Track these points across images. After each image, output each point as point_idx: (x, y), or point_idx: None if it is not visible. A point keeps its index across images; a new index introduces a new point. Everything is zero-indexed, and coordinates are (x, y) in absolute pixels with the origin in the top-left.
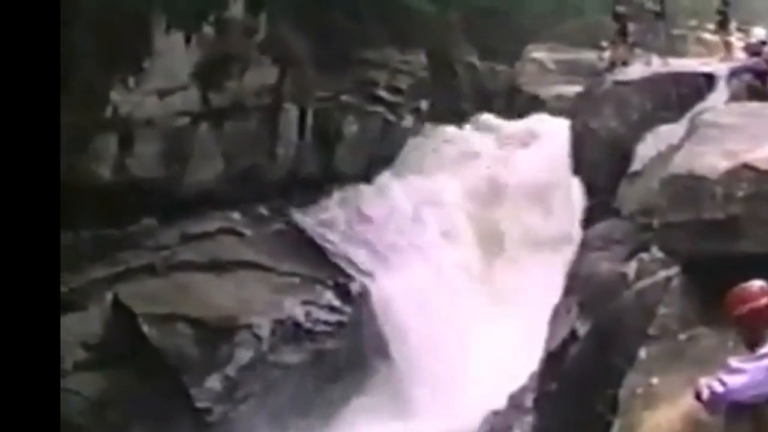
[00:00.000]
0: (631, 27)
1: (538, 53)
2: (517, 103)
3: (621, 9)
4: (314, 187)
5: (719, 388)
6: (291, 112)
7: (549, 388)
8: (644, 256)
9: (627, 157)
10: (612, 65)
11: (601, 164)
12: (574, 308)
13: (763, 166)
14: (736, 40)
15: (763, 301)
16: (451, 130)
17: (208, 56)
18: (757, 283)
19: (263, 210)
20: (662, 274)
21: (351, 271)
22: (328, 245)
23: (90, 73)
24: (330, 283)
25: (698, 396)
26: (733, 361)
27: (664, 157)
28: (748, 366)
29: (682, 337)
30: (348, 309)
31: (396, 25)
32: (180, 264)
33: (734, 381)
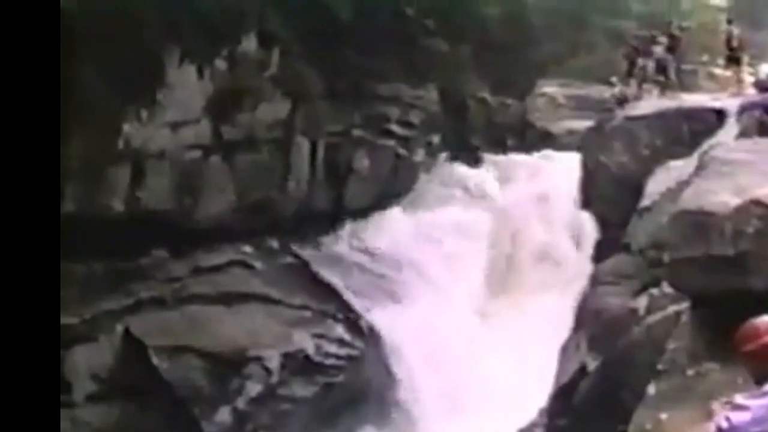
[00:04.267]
0: (642, 62)
1: (549, 88)
2: (528, 138)
3: (633, 44)
4: (325, 220)
5: (724, 424)
6: (302, 145)
7: (558, 423)
8: (654, 291)
9: (637, 192)
10: (623, 101)
11: (611, 199)
12: (583, 343)
13: None
14: (747, 76)
15: None
16: (462, 167)
17: (220, 90)
18: (766, 319)
19: (274, 243)
20: (672, 309)
21: (357, 306)
22: (336, 279)
23: (103, 105)
24: (340, 316)
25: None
26: (739, 398)
27: (674, 192)
28: (752, 403)
29: (690, 372)
30: (358, 343)
31: (408, 60)
32: (191, 296)
33: (738, 418)
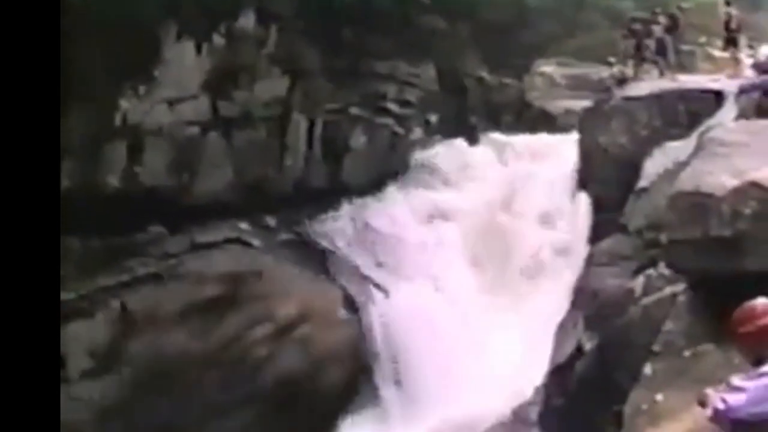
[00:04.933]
0: (644, 43)
1: (547, 68)
2: (525, 118)
3: (635, 26)
4: (322, 198)
5: (720, 405)
6: (300, 123)
7: (554, 403)
8: (651, 272)
9: (635, 173)
10: (622, 81)
11: (608, 180)
12: (580, 323)
13: None
14: (746, 57)
15: None
16: (460, 145)
17: (218, 66)
18: (762, 301)
19: (271, 220)
20: (668, 290)
21: (355, 284)
22: (333, 257)
23: (100, 81)
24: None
25: (702, 404)
26: (735, 379)
27: (671, 173)
28: (749, 384)
29: (687, 353)
30: (354, 320)
31: (405, 38)
32: (187, 273)
33: (735, 399)
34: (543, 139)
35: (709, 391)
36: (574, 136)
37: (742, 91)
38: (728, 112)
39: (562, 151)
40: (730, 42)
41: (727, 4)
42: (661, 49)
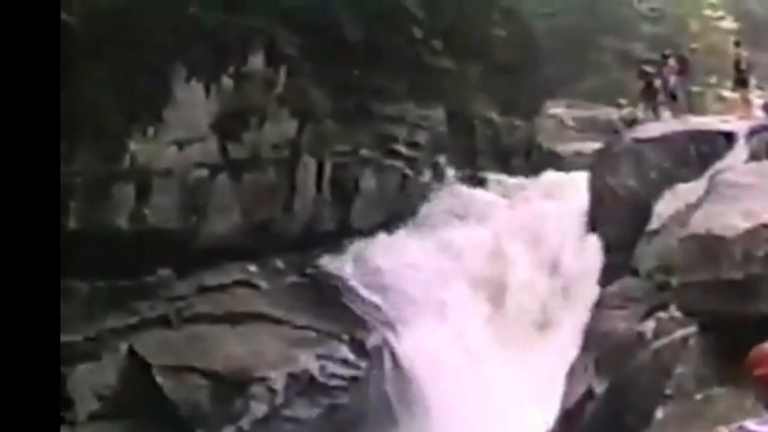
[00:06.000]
0: (657, 84)
1: (557, 109)
2: (535, 159)
3: (645, 68)
4: (331, 240)
5: None
6: (309, 165)
7: None
8: (662, 315)
9: (645, 215)
10: (631, 122)
11: (619, 222)
12: (591, 366)
13: None
14: (756, 98)
15: None
16: (469, 187)
17: (227, 108)
18: None
19: (279, 263)
20: (680, 333)
21: (362, 326)
22: (342, 300)
23: (109, 122)
24: (345, 337)
25: None
26: (750, 424)
27: (683, 215)
28: (764, 429)
29: (698, 397)
30: (363, 363)
31: (415, 80)
32: (195, 316)
33: None
34: (552, 178)
35: (723, 430)
36: (583, 175)
37: (753, 132)
38: (739, 153)
39: (572, 191)
40: (740, 83)
41: (737, 44)
42: (671, 91)
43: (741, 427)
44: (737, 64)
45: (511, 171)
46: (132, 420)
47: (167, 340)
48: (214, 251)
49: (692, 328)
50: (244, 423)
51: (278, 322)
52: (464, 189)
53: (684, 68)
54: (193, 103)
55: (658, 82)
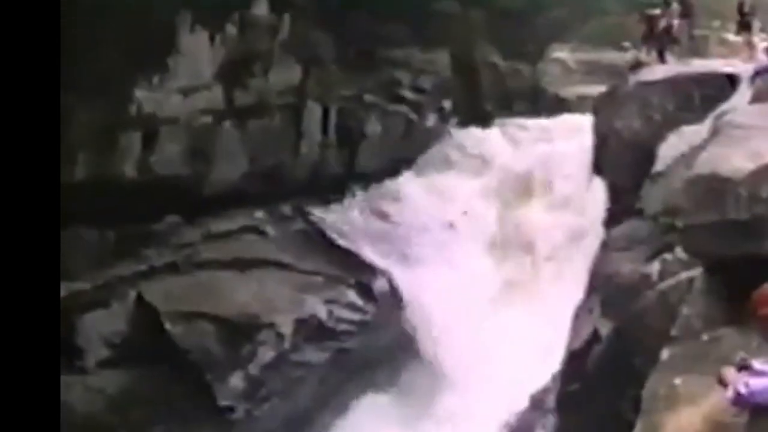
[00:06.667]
0: (661, 26)
1: (561, 53)
2: (539, 104)
3: (648, 11)
4: (337, 185)
5: (743, 389)
6: (314, 111)
7: (571, 388)
8: (667, 256)
9: (650, 157)
10: (635, 65)
11: (624, 165)
12: (596, 308)
13: None
14: (759, 41)
15: None
16: (474, 131)
17: (232, 55)
18: None
19: (286, 209)
20: (685, 274)
21: (375, 266)
22: (349, 243)
23: (114, 72)
24: (352, 281)
25: (722, 382)
26: (756, 363)
27: (687, 157)
28: None
29: (705, 337)
30: (370, 308)
31: (419, 25)
32: (203, 262)
33: (757, 383)
34: (558, 120)
35: (731, 371)
36: (589, 118)
37: (756, 74)
38: (742, 95)
39: (578, 133)
40: (744, 26)
41: None
42: (674, 35)
43: (744, 362)
44: (740, 7)
45: (516, 115)
46: (142, 366)
47: (176, 287)
48: (221, 198)
49: (698, 270)
50: (253, 368)
51: (285, 267)
52: (469, 133)
53: (687, 12)
54: (198, 51)
55: (661, 25)
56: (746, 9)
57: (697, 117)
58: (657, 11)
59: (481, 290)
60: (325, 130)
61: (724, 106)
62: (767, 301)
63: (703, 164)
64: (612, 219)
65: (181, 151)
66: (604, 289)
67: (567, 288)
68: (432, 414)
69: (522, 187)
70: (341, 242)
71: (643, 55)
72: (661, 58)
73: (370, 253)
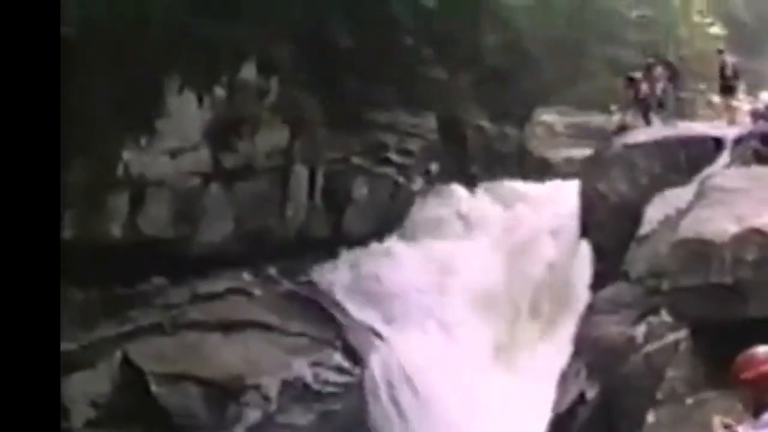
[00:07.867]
0: (645, 90)
1: (548, 116)
2: (526, 167)
3: (634, 74)
4: (324, 248)
5: None
6: (301, 173)
7: None
8: (653, 319)
9: (636, 220)
10: (621, 128)
11: (609, 227)
12: (582, 371)
13: None
14: (746, 104)
15: None
16: (460, 192)
17: (219, 117)
18: (764, 348)
19: (273, 270)
20: (671, 337)
21: (355, 333)
22: (336, 305)
23: (102, 132)
24: (338, 344)
25: None
26: (740, 429)
27: (673, 220)
28: None
29: (690, 400)
30: (356, 370)
31: (406, 88)
32: (189, 323)
33: None
34: (545, 185)
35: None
36: (575, 183)
37: (740, 138)
38: (728, 158)
39: (564, 198)
40: (726, 89)
41: (720, 52)
42: (659, 98)
43: (730, 427)
44: (722, 70)
45: (502, 178)
46: (127, 427)
47: (161, 348)
48: (207, 259)
49: (683, 332)
50: (239, 429)
51: (272, 329)
52: (456, 196)
53: (672, 74)
54: (186, 113)
55: (645, 89)
56: (728, 72)
57: (683, 180)
58: (639, 74)
59: (469, 352)
60: (311, 192)
61: (709, 169)
62: (748, 366)
63: (688, 227)
64: (598, 281)
65: (168, 212)
66: (591, 351)
67: (553, 350)
68: None
69: (508, 250)
70: (328, 304)
71: (628, 118)
72: (647, 121)
73: (357, 315)
